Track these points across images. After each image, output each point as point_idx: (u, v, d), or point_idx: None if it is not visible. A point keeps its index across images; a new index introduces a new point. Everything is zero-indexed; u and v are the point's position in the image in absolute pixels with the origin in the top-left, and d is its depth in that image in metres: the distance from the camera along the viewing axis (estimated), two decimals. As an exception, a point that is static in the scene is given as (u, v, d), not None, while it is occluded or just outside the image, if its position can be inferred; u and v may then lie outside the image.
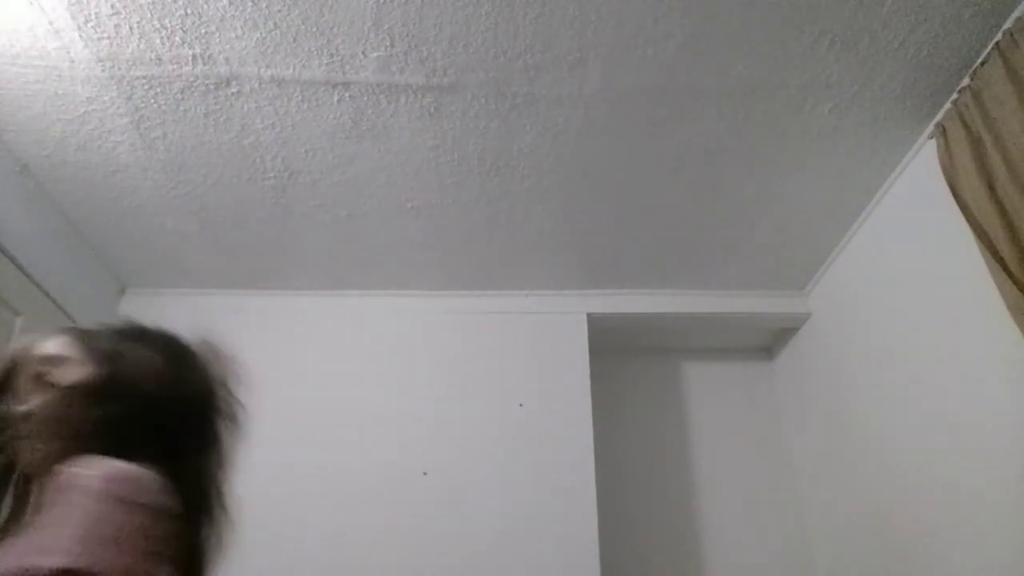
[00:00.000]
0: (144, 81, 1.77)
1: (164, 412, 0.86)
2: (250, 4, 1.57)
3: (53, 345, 0.86)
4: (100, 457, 0.72)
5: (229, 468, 0.90)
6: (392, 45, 1.67)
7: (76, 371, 0.84)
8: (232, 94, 1.81)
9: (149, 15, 1.60)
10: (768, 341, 3.03)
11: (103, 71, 1.74)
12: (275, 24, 1.62)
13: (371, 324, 2.63)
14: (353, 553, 2.22)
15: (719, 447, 2.89)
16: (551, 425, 2.48)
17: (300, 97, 1.82)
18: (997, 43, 1.60)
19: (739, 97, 1.84)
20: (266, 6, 1.58)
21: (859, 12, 1.60)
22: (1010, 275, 1.51)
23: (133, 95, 1.81)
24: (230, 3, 1.57)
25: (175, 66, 1.73)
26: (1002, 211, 1.56)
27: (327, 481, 2.31)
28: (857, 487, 2.35)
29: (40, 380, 0.84)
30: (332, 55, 1.70)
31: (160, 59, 1.71)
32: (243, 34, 1.65)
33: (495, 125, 1.92)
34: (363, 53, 1.69)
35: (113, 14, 1.59)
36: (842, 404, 2.46)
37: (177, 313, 2.62)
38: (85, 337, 0.88)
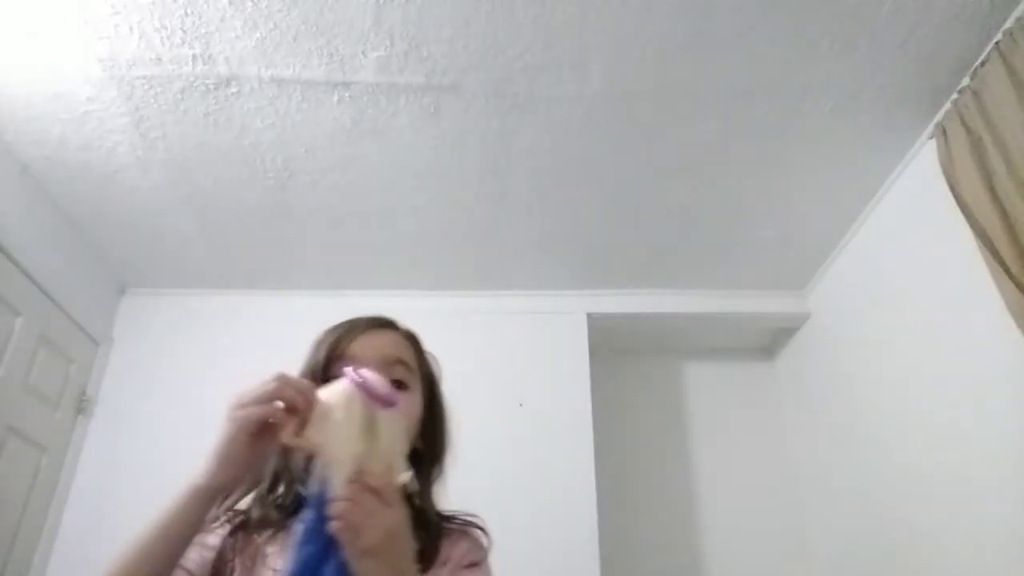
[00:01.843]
0: (144, 81, 1.77)
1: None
2: (250, 4, 1.57)
3: None
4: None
5: None
6: (392, 45, 1.67)
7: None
8: (232, 94, 1.81)
9: (149, 15, 1.60)
10: (768, 341, 3.03)
11: (103, 71, 1.74)
12: (275, 24, 1.62)
13: (371, 324, 2.63)
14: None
15: (719, 447, 2.89)
16: (551, 425, 2.48)
17: (300, 97, 1.82)
18: (997, 43, 1.60)
19: (739, 97, 1.84)
20: (266, 6, 1.58)
21: (859, 12, 1.60)
22: (1010, 275, 1.51)
23: (133, 95, 1.81)
24: (230, 3, 1.57)
25: (175, 66, 1.73)
26: (1002, 211, 1.55)
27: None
28: (857, 486, 2.35)
29: None
30: (332, 55, 1.70)
31: (160, 59, 1.71)
32: (243, 34, 1.65)
33: (495, 125, 1.92)
34: (363, 53, 1.69)
35: (113, 14, 1.59)
36: (842, 404, 2.46)
37: (177, 313, 2.65)
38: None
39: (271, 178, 2.11)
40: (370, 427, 0.65)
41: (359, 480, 0.61)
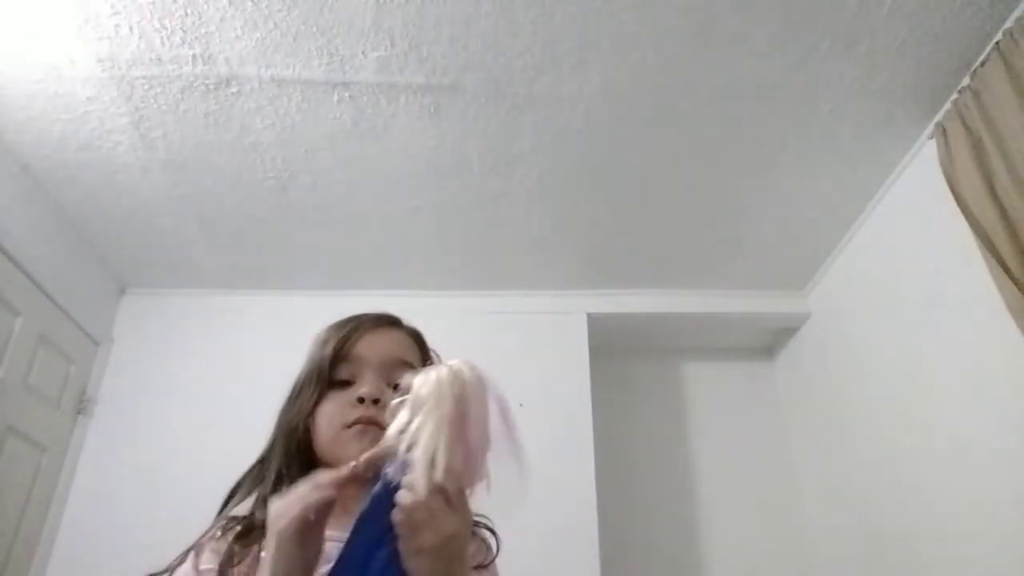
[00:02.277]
0: (144, 81, 1.77)
1: None
2: (250, 4, 1.57)
3: None
4: None
5: None
6: (392, 45, 1.67)
7: None
8: (232, 94, 1.81)
9: (149, 15, 1.60)
10: (768, 341, 3.03)
11: (103, 71, 1.74)
12: (275, 24, 1.62)
13: (371, 324, 2.63)
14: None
15: (719, 447, 2.89)
16: (551, 425, 2.48)
17: (300, 97, 1.82)
18: (997, 43, 1.60)
19: (739, 97, 1.84)
20: (266, 6, 1.58)
21: (859, 12, 1.60)
22: (1010, 275, 1.51)
23: (133, 95, 1.81)
24: (230, 3, 1.57)
25: (175, 66, 1.73)
26: (1002, 211, 1.56)
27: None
28: (857, 486, 2.35)
29: None
30: (332, 55, 1.70)
31: (160, 59, 1.71)
32: (243, 34, 1.65)
33: (495, 125, 1.92)
34: (363, 53, 1.69)
35: (113, 14, 1.59)
36: (842, 404, 2.46)
37: (177, 313, 2.65)
38: None
39: (271, 178, 2.11)
40: (458, 424, 0.63)
41: (432, 478, 0.60)
